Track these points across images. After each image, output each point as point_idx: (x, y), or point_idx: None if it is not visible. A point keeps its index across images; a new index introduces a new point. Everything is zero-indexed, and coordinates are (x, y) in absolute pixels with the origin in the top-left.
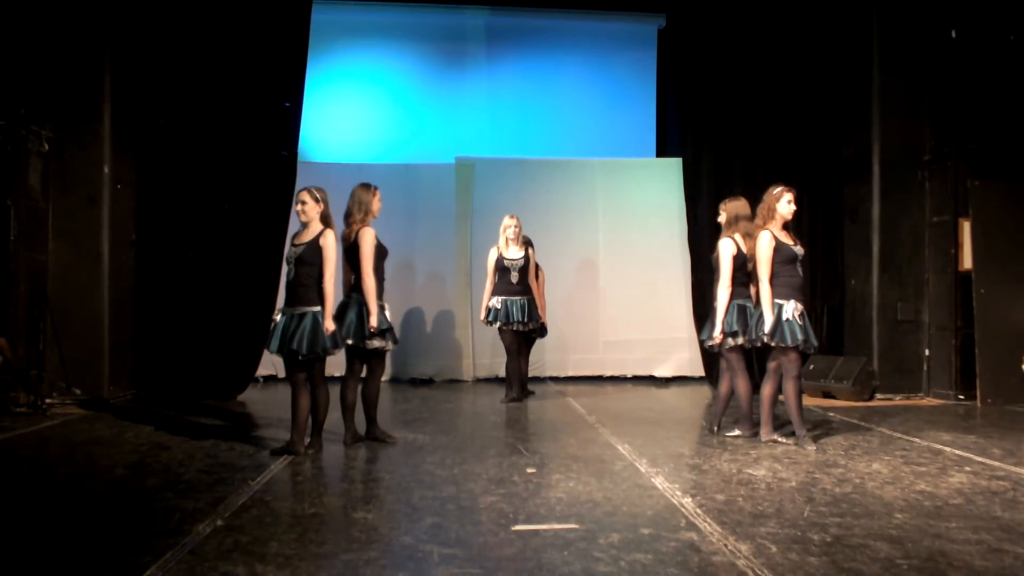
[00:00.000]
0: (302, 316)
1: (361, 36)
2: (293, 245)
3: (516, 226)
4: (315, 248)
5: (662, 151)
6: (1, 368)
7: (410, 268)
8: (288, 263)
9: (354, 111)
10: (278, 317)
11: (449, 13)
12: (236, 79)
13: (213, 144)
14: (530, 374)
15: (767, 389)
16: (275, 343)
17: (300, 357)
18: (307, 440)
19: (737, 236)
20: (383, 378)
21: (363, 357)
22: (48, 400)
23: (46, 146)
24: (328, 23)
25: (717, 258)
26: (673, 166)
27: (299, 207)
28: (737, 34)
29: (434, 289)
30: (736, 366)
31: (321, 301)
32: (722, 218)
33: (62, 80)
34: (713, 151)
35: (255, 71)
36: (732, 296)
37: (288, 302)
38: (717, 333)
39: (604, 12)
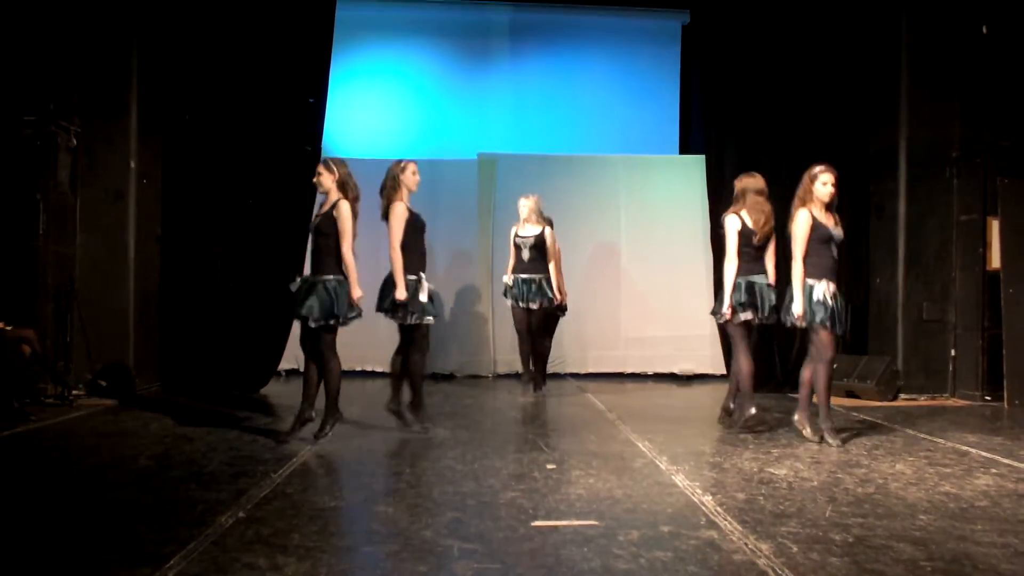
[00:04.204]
0: (314, 284)
1: (385, 32)
2: (315, 216)
3: (527, 204)
4: (330, 218)
5: (685, 148)
6: (29, 360)
7: (431, 263)
8: (310, 234)
9: (377, 107)
10: (293, 286)
11: (473, 9)
12: (261, 75)
13: (237, 139)
14: (550, 370)
15: (806, 373)
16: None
17: (311, 324)
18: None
19: (743, 212)
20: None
21: (404, 330)
22: (75, 391)
23: (74, 141)
24: (352, 19)
25: (723, 234)
26: (696, 163)
27: (315, 179)
28: (762, 29)
29: (455, 285)
30: (738, 343)
31: (339, 270)
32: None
33: (90, 76)
34: (737, 148)
35: (280, 67)
36: (739, 271)
37: (310, 271)
38: (726, 309)
39: (628, 8)
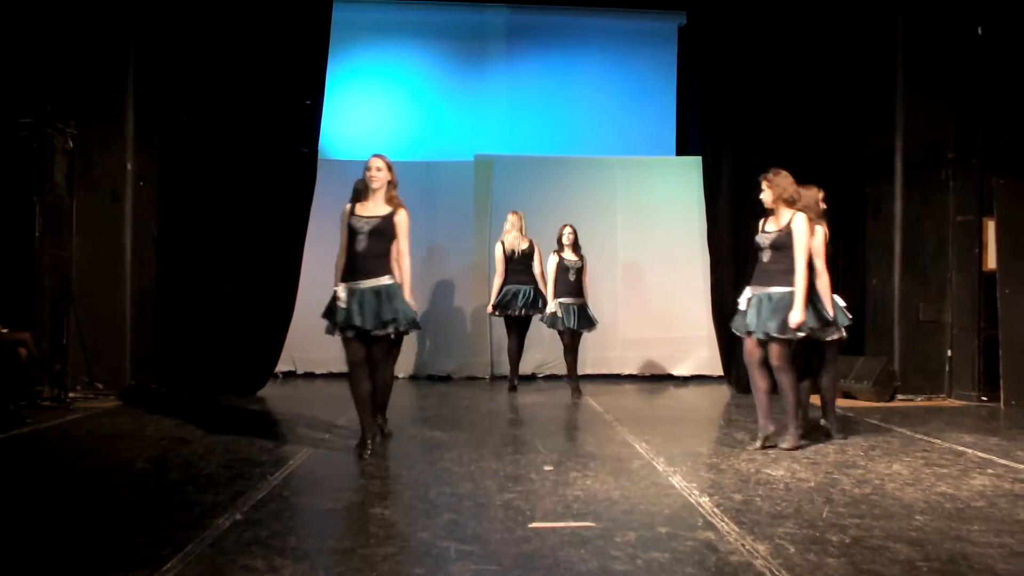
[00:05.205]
0: None
1: (381, 34)
2: None
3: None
4: None
5: (682, 150)
6: (26, 362)
7: (428, 265)
8: None
9: (374, 108)
10: None
11: (470, 11)
12: (257, 77)
13: (234, 141)
14: (548, 372)
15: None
16: None
17: None
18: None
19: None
20: (397, 375)
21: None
22: (71, 394)
23: (71, 143)
24: (349, 21)
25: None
26: (693, 165)
27: None
28: (759, 31)
29: (452, 287)
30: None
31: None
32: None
33: (86, 78)
34: (733, 150)
35: (276, 69)
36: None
37: None
38: None
39: (625, 9)
